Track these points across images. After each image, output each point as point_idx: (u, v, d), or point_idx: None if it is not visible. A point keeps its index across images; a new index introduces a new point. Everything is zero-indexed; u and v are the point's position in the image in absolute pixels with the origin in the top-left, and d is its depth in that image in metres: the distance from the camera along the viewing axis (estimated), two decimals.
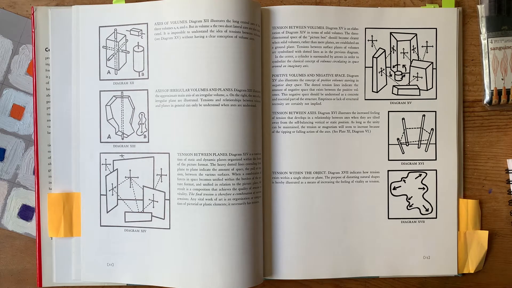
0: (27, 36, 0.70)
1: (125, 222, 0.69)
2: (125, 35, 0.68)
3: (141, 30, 0.68)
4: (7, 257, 0.71)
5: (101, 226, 0.69)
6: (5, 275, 0.71)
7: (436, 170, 0.70)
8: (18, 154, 0.71)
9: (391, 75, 0.70)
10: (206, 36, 0.66)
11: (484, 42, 0.70)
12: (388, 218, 0.70)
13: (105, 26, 0.69)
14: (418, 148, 0.70)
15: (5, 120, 0.71)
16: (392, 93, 0.70)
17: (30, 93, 0.71)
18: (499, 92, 0.69)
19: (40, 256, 0.70)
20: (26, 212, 0.71)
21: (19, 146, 0.71)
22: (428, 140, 0.70)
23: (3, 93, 0.71)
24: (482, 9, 0.70)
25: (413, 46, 0.70)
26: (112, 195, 0.69)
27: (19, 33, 0.71)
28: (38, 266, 0.70)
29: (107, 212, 0.69)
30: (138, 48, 0.68)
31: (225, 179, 0.66)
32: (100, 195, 0.69)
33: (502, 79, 0.69)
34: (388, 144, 0.70)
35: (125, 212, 0.69)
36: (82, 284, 0.70)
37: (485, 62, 0.70)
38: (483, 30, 0.70)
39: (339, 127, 0.69)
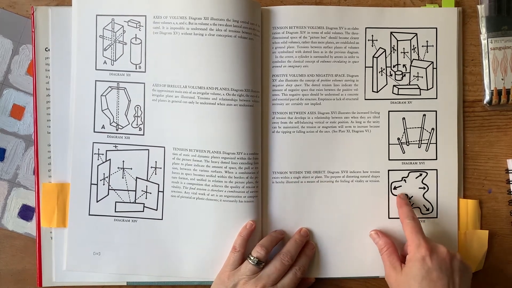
0: (27, 36, 0.70)
1: (115, 212, 0.69)
2: (123, 26, 0.68)
3: (139, 22, 0.68)
4: (7, 257, 0.71)
5: (89, 215, 0.69)
6: (5, 275, 0.71)
7: (436, 169, 0.70)
8: (18, 154, 0.71)
9: (391, 75, 0.70)
10: (206, 34, 0.66)
11: (484, 42, 0.70)
12: (389, 218, 0.70)
13: (103, 15, 0.68)
14: (419, 147, 0.70)
15: (5, 120, 0.71)
16: (393, 92, 0.70)
17: (30, 93, 0.71)
18: (499, 92, 0.69)
19: (40, 256, 0.70)
20: (26, 212, 0.71)
21: (19, 146, 0.71)
22: (428, 139, 0.70)
23: (3, 93, 0.71)
24: (482, 9, 0.70)
25: (413, 45, 0.70)
26: (103, 185, 0.69)
27: (19, 33, 0.71)
28: (38, 266, 0.70)
29: (97, 202, 0.69)
30: (136, 41, 0.68)
31: (218, 176, 0.67)
32: (91, 184, 0.69)
33: (502, 79, 0.70)
34: (389, 144, 0.70)
35: (115, 202, 0.69)
36: (82, 284, 0.70)
37: (485, 62, 0.70)
38: (483, 30, 0.70)
39: (339, 127, 0.69)
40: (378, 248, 0.67)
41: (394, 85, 0.70)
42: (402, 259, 0.65)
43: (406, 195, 0.70)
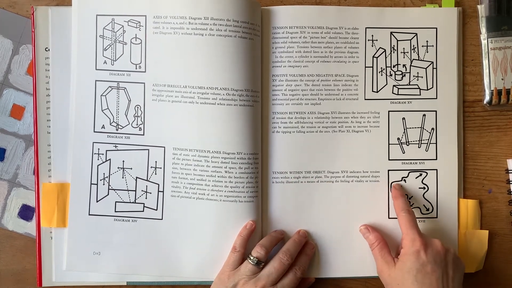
0: (27, 36, 0.70)
1: (115, 212, 0.69)
2: (123, 26, 0.68)
3: (139, 22, 0.68)
4: (7, 257, 0.71)
5: (89, 215, 0.69)
6: (5, 275, 0.71)
7: (436, 169, 0.70)
8: (18, 154, 0.71)
9: (391, 75, 0.70)
10: (206, 34, 0.66)
11: (484, 42, 0.70)
12: (389, 218, 0.70)
13: (103, 15, 0.68)
14: (419, 147, 0.70)
15: (5, 120, 0.71)
16: (393, 92, 0.70)
17: (30, 93, 0.71)
18: (499, 92, 0.69)
19: (40, 256, 0.70)
20: (26, 212, 0.71)
21: (19, 146, 0.71)
22: (428, 139, 0.70)
23: (3, 93, 0.71)
24: (482, 9, 0.70)
25: (413, 45, 0.70)
26: (103, 184, 0.69)
27: (19, 33, 0.71)
28: (38, 266, 0.70)
29: (97, 202, 0.69)
30: (136, 40, 0.68)
31: (218, 176, 0.67)
32: (91, 184, 0.69)
33: (502, 79, 0.70)
34: (389, 144, 0.70)
35: (115, 202, 0.69)
36: (82, 284, 0.70)
37: (485, 62, 0.70)
38: (483, 30, 0.70)
39: (339, 127, 0.69)
40: (368, 244, 0.67)
41: (394, 85, 0.70)
42: (396, 255, 0.65)
43: (401, 186, 0.70)
